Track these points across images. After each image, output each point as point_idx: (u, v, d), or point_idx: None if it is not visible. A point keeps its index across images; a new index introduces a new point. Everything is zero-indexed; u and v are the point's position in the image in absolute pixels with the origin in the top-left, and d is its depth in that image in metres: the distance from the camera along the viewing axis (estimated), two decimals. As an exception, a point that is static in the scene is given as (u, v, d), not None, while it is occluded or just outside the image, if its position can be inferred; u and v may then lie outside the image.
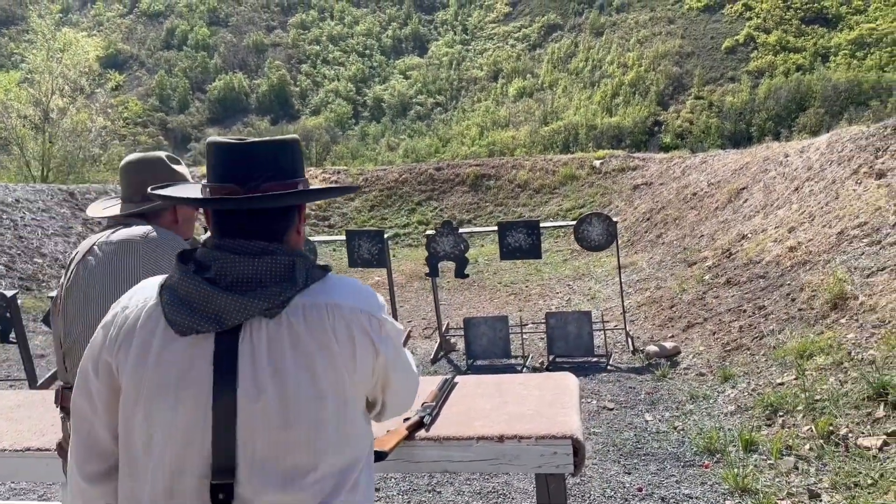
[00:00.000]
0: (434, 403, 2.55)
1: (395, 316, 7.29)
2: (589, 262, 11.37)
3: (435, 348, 7.09)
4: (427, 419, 2.41)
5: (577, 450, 2.28)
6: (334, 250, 14.06)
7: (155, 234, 2.15)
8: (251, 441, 1.26)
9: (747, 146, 17.29)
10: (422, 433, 2.34)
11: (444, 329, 7.32)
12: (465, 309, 9.49)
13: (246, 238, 1.35)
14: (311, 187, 1.48)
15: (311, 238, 6.87)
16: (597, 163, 16.46)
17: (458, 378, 3.00)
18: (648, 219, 12.67)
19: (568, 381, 2.89)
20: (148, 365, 1.29)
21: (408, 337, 7.48)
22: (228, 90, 37.41)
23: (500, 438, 2.31)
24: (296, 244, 1.44)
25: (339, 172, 18.35)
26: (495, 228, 6.74)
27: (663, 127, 28.38)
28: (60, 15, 30.00)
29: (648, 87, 30.24)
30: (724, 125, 26.68)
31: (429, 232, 6.88)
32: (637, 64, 32.00)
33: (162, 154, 2.36)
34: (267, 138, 1.42)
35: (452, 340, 7.29)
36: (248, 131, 32.60)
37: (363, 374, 1.36)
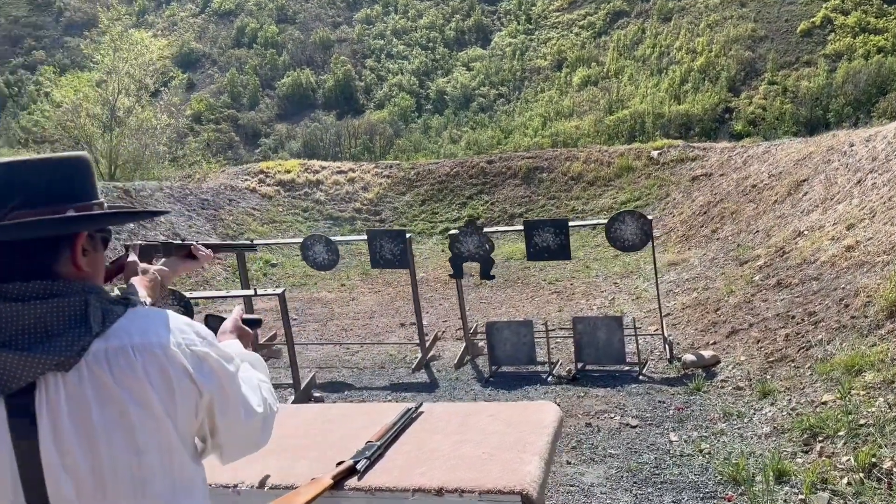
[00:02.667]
0: (379, 443, 2.27)
1: (420, 317, 7.03)
2: (639, 258, 10.85)
3: (460, 352, 6.83)
4: (362, 464, 2.14)
5: (528, 508, 1.98)
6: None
7: None
8: None
9: (824, 133, 16.26)
10: (353, 481, 2.08)
11: (472, 331, 7.04)
12: (504, 308, 9.18)
13: (19, 279, 1.13)
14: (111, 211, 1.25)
15: (332, 238, 6.69)
16: (654, 153, 15.80)
17: (425, 406, 2.73)
18: (705, 212, 12.02)
19: (543, 416, 2.58)
20: None
21: (435, 339, 7.24)
22: (296, 86, 37.85)
23: (440, 491, 2.03)
24: (82, 278, 1.20)
25: (391, 167, 18.26)
26: (521, 228, 6.42)
27: (734, 114, 27.11)
28: (128, 17, 30.99)
29: (719, 73, 28.88)
30: (799, 111, 25.23)
31: (452, 232, 6.60)
32: (707, 49, 30.64)
33: None
34: (34, 157, 1.19)
35: (480, 344, 7.01)
36: (315, 126, 32.96)
37: (186, 417, 1.22)
